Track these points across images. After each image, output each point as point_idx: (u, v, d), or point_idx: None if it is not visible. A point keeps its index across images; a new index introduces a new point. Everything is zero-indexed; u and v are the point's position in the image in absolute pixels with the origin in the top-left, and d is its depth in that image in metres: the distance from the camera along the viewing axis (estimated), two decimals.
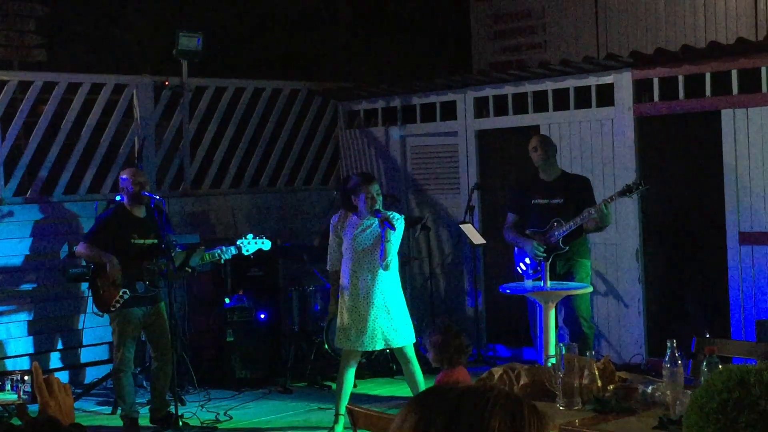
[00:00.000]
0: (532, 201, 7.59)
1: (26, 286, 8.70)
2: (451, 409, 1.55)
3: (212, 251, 7.46)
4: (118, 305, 7.13)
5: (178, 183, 9.84)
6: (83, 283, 8.44)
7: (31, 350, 8.65)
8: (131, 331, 7.20)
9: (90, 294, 7.54)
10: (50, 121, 8.97)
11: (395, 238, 6.65)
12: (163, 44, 9.76)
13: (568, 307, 7.52)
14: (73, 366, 8.90)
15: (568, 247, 7.43)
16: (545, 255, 7.33)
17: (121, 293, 7.11)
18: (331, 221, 6.94)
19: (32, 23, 10.54)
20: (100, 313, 7.42)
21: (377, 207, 6.64)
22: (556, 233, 7.39)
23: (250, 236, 7.59)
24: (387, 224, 6.55)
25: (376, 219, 6.64)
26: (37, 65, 10.18)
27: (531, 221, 7.61)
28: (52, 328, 8.81)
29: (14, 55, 10.36)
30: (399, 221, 6.67)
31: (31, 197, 8.91)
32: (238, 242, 7.53)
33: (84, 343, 8.91)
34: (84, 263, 8.07)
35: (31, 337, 8.69)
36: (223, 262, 7.74)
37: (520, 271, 7.51)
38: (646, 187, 7.15)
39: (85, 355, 8.94)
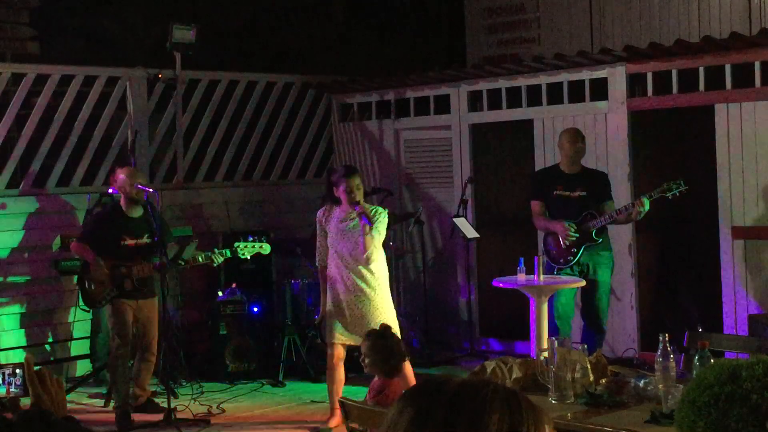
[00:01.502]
0: (554, 192, 7.61)
1: (18, 279, 8.68)
2: (450, 403, 1.53)
3: (206, 253, 7.40)
4: (104, 302, 7.18)
5: (171, 176, 9.82)
6: (75, 276, 8.44)
7: (23, 343, 8.64)
8: (126, 316, 7.20)
9: (79, 289, 7.53)
10: (43, 114, 8.94)
11: (377, 232, 6.63)
12: (157, 36, 9.74)
13: (591, 301, 7.53)
14: (66, 359, 8.88)
15: (601, 239, 7.46)
16: (576, 236, 7.35)
17: (108, 290, 7.14)
18: (317, 215, 6.93)
19: (25, 15, 10.51)
20: (87, 309, 7.42)
21: (357, 199, 6.63)
22: (590, 224, 7.40)
23: (249, 238, 7.49)
24: (364, 218, 6.54)
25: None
26: (30, 57, 10.14)
27: (555, 212, 7.63)
28: (45, 320, 8.80)
29: (7, 47, 10.33)
30: (382, 215, 6.65)
31: (24, 190, 8.89)
32: (235, 245, 7.46)
33: (75, 336, 8.89)
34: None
35: (23, 330, 8.68)
36: (215, 265, 7.66)
37: (548, 260, 7.50)
38: (685, 187, 7.13)
39: (77, 348, 8.93)
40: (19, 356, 8.10)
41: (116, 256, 7.15)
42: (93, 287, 7.20)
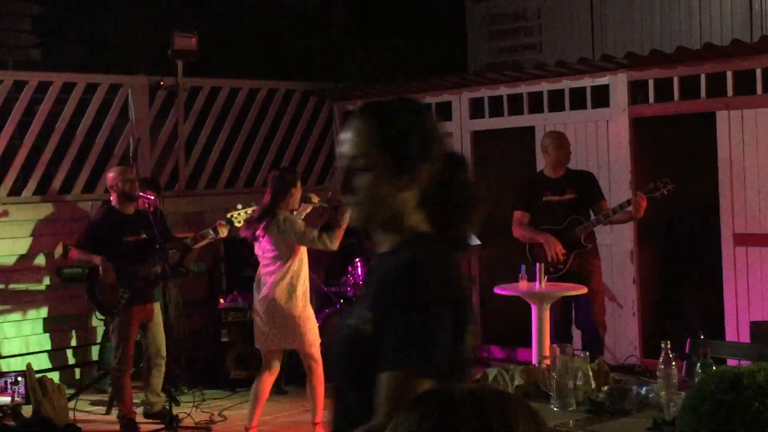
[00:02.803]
0: (543, 198, 7.56)
1: (20, 287, 8.67)
2: (478, 413, 1.49)
3: (204, 231, 7.36)
4: (119, 306, 7.13)
5: (173, 183, 9.83)
6: (85, 289, 8.45)
7: (24, 351, 8.63)
8: (131, 328, 7.19)
9: (90, 298, 7.42)
10: (45, 121, 8.96)
11: None
12: (159, 44, 9.75)
13: (585, 310, 7.47)
14: (67, 366, 8.88)
15: (591, 246, 7.40)
16: (566, 253, 7.31)
17: (121, 293, 7.11)
18: None
19: (27, 22, 10.52)
20: (103, 317, 7.34)
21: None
22: (577, 230, 7.35)
23: (239, 206, 7.39)
24: None
25: None
26: (32, 64, 10.16)
27: (541, 219, 7.56)
28: (47, 327, 8.79)
29: (9, 54, 10.34)
30: None
31: (26, 197, 8.89)
32: (227, 215, 7.18)
33: (76, 344, 8.89)
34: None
35: (24, 338, 8.67)
36: (218, 236, 7.47)
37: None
38: (672, 185, 7.10)
39: (79, 355, 8.92)
40: (21, 365, 8.11)
41: (118, 255, 7.16)
42: (103, 294, 7.18)
